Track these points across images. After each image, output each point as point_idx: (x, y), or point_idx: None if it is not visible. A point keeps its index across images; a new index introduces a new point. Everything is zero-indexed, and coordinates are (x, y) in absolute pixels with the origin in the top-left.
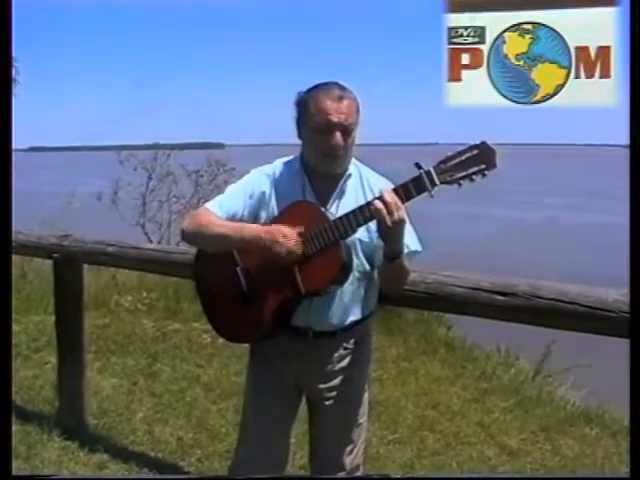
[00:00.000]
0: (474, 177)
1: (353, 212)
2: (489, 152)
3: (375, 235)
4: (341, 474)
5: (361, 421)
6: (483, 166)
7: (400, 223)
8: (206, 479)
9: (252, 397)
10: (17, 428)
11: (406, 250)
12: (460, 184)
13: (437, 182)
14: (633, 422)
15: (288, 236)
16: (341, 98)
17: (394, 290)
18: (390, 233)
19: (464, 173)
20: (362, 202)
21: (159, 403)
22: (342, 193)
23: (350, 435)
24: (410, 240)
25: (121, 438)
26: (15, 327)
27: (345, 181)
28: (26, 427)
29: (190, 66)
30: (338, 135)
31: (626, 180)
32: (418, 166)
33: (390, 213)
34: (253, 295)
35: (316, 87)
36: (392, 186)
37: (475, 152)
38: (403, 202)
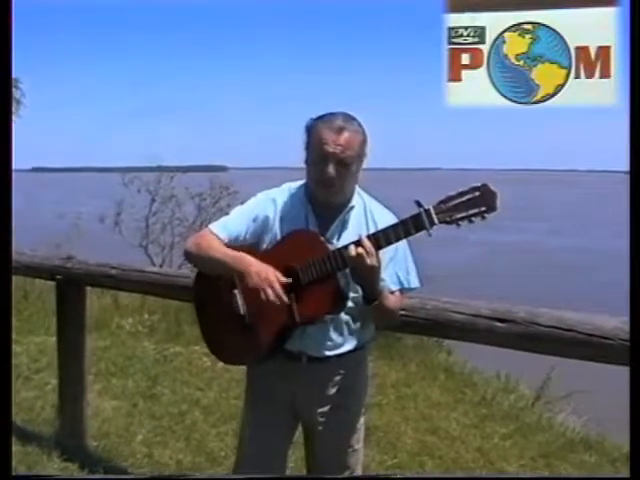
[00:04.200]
0: (473, 219)
1: (354, 244)
2: (490, 194)
3: None
4: None
5: (357, 447)
6: (483, 208)
7: (372, 270)
8: (204, 479)
9: (248, 420)
10: (17, 449)
11: (397, 287)
12: (459, 224)
13: (436, 222)
14: (633, 423)
15: (275, 283)
16: (341, 129)
17: (382, 325)
18: (363, 278)
19: (464, 214)
20: (363, 234)
21: (159, 426)
22: (344, 224)
23: (346, 461)
24: (409, 277)
25: (120, 460)
26: (16, 348)
27: (347, 212)
28: (26, 448)
29: (196, 83)
30: (331, 166)
31: (626, 204)
32: (418, 204)
33: (362, 260)
34: (249, 318)
35: (323, 116)
36: (395, 220)
37: (476, 194)
38: (388, 244)
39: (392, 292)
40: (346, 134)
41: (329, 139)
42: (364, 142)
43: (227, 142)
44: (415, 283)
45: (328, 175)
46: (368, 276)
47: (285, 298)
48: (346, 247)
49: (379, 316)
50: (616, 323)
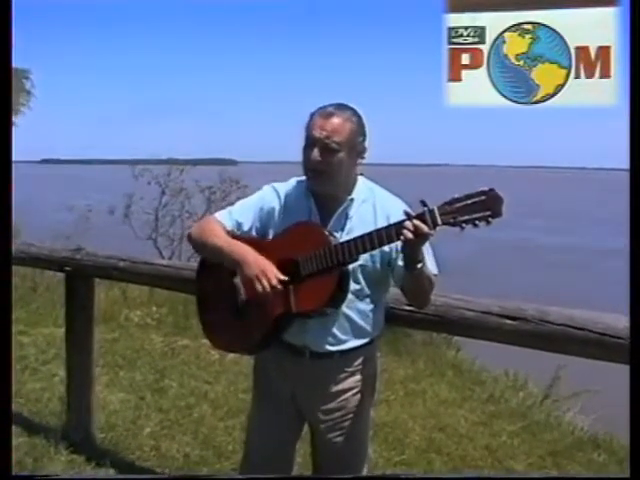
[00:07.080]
0: (477, 222)
1: (354, 240)
2: (496, 199)
3: (378, 261)
4: None
5: (362, 445)
6: (488, 213)
7: (421, 239)
8: (203, 478)
9: (254, 415)
10: (24, 440)
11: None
12: (463, 227)
13: (439, 222)
14: (633, 422)
15: (269, 277)
16: (330, 115)
17: (420, 301)
18: (409, 247)
19: (468, 217)
20: (372, 229)
21: (166, 419)
22: (346, 217)
23: (349, 459)
24: (428, 263)
25: (128, 453)
26: (24, 339)
27: (348, 205)
28: (33, 440)
29: (204, 81)
30: (315, 150)
31: (625, 200)
32: (423, 204)
33: (414, 234)
34: (247, 306)
35: (321, 107)
36: (406, 208)
37: (482, 198)
38: (390, 242)
39: None
40: (334, 120)
41: (316, 124)
42: (356, 132)
43: (237, 136)
44: (434, 269)
45: (313, 159)
46: (415, 244)
47: (279, 289)
48: (348, 242)
49: (417, 288)
50: (627, 322)
